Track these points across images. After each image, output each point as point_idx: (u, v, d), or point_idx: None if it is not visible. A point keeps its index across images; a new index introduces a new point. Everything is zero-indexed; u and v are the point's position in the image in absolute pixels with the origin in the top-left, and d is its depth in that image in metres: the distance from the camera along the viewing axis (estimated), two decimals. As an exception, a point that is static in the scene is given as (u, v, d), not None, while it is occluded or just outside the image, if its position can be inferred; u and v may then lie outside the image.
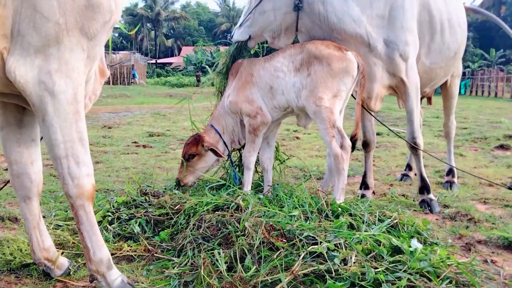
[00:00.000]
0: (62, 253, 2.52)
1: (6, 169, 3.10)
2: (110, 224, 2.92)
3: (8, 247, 2.55)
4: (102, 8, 1.92)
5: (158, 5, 54.20)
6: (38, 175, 2.31)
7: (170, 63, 47.73)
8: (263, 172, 3.81)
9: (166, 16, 53.16)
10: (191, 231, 2.66)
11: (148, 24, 54.24)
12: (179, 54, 50.17)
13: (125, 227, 2.89)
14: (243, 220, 2.55)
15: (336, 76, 3.23)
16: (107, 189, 4.18)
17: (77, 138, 1.95)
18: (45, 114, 1.86)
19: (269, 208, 2.80)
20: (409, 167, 4.96)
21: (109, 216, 2.99)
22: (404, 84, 3.56)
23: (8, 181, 2.96)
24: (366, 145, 4.05)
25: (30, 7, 1.76)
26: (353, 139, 3.48)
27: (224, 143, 3.68)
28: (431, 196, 3.76)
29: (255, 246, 2.33)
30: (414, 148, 3.73)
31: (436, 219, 3.48)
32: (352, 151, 3.40)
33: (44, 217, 3.17)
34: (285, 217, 2.68)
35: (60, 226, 2.95)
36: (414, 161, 3.90)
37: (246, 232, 2.48)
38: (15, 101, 2.10)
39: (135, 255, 2.59)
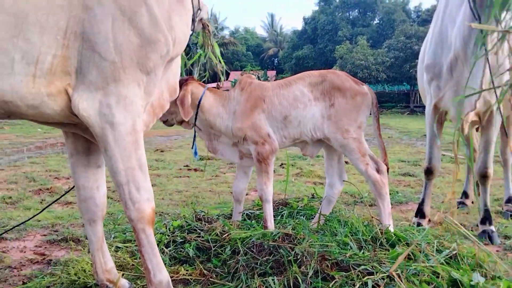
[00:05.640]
0: (123, 274, 2.63)
1: (68, 191, 3.29)
2: (166, 247, 3.01)
3: (73, 267, 2.68)
4: (157, 45, 2.03)
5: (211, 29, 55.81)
6: (102, 199, 2.44)
7: (219, 88, 48.78)
8: (234, 203, 3.55)
9: (215, 42, 54.74)
10: (243, 255, 2.69)
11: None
12: (227, 79, 51.31)
13: (180, 251, 2.97)
14: (295, 247, 2.56)
15: (359, 108, 3.25)
16: (162, 212, 4.31)
17: (137, 166, 2.06)
18: (107, 144, 2.00)
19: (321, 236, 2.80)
20: (465, 194, 4.79)
21: (166, 239, 3.08)
22: (491, 111, 3.46)
23: (68, 191, 3.17)
24: (429, 172, 3.90)
25: (90, 48, 1.91)
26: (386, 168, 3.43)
27: (196, 118, 3.29)
28: (492, 227, 3.61)
29: (309, 275, 2.33)
30: (483, 177, 3.63)
31: (497, 251, 3.33)
32: None
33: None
34: (338, 245, 2.66)
35: (120, 248, 3.07)
36: (480, 191, 3.75)
37: (298, 258, 2.49)
38: (74, 130, 2.26)
39: (191, 278, 2.65)
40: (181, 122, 3.39)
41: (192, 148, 3.58)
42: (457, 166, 2.46)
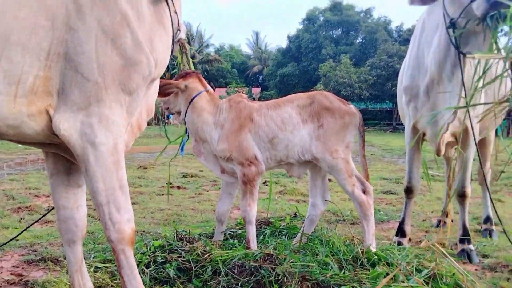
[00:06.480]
0: (102, 296, 2.59)
1: (47, 209, 3.24)
2: (146, 268, 2.98)
3: (51, 289, 2.64)
4: (140, 66, 2.05)
5: (193, 48, 56.01)
6: (82, 219, 2.41)
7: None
8: (217, 223, 3.54)
9: (200, 59, 54.92)
10: (224, 276, 2.68)
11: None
12: (211, 95, 51.28)
13: (161, 271, 2.94)
14: (276, 267, 2.56)
15: (347, 128, 3.28)
16: (143, 231, 4.26)
17: (118, 186, 2.05)
18: (88, 164, 1.99)
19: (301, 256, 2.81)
20: (445, 213, 4.85)
21: (146, 259, 3.05)
22: (467, 132, 3.51)
23: (49, 211, 3.12)
24: (409, 191, 3.96)
25: (72, 68, 1.92)
26: None
27: (186, 114, 3.34)
28: (471, 246, 3.67)
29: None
30: (461, 196, 3.70)
31: (476, 270, 3.38)
32: None
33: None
34: (319, 265, 2.67)
35: (99, 268, 3.02)
36: (459, 210, 3.81)
37: (279, 278, 2.49)
38: (54, 151, 2.24)
39: (171, 300, 2.63)
40: (178, 113, 3.45)
41: (180, 144, 3.63)
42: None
